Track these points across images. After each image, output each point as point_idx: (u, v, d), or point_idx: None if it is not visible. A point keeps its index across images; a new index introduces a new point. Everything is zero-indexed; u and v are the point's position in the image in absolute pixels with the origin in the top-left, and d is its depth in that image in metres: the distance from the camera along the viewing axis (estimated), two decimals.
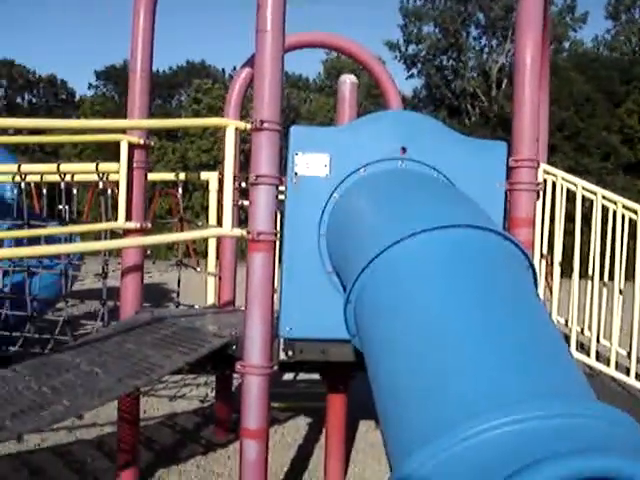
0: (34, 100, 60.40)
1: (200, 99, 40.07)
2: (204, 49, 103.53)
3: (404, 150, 3.66)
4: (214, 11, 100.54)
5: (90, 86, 60.86)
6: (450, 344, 2.28)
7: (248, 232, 3.44)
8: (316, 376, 7.31)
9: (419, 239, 2.77)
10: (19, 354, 5.49)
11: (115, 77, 58.13)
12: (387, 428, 2.45)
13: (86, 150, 39.38)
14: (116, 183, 4.72)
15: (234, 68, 51.27)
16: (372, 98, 30.87)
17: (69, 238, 5.79)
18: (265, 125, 3.40)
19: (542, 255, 4.95)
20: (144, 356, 3.69)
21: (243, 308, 4.12)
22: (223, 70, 54.58)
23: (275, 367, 3.53)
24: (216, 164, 33.13)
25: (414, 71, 47.91)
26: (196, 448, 5.52)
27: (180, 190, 5.40)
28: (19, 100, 59.95)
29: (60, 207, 6.13)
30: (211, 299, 5.66)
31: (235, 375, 6.27)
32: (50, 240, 5.87)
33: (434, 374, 2.26)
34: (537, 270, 3.05)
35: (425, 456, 2.02)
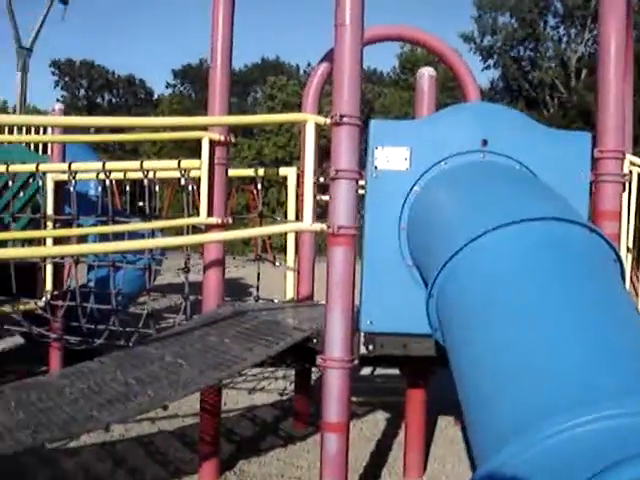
0: (113, 100, 61.96)
1: (275, 96, 40.39)
2: (279, 46, 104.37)
3: (485, 142, 3.62)
4: (289, 7, 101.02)
5: (168, 85, 62.09)
6: (538, 339, 2.24)
7: (328, 226, 3.46)
8: (394, 371, 7.32)
9: (503, 232, 2.73)
10: (104, 347, 5.65)
11: (192, 76, 59.13)
12: (473, 423, 2.43)
13: (164, 148, 40.19)
14: (196, 180, 4.82)
15: (308, 64, 51.51)
16: (447, 91, 30.51)
17: (151, 234, 5.93)
18: (345, 120, 3.41)
19: (628, 249, 4.81)
20: (226, 349, 3.75)
21: (322, 302, 4.14)
22: (297, 66, 54.89)
23: (356, 361, 3.54)
24: (292, 160, 33.37)
25: (490, 63, 47.15)
26: (275, 440, 5.57)
27: (259, 186, 5.46)
28: (99, 100, 61.58)
29: (140, 204, 6.29)
30: (290, 293, 5.71)
31: (314, 369, 6.33)
32: (133, 236, 6.04)
33: (522, 370, 2.23)
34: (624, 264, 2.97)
35: (512, 451, 2.00)
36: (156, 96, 60.94)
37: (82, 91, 61.02)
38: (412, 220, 3.52)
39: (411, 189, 3.56)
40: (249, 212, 17.43)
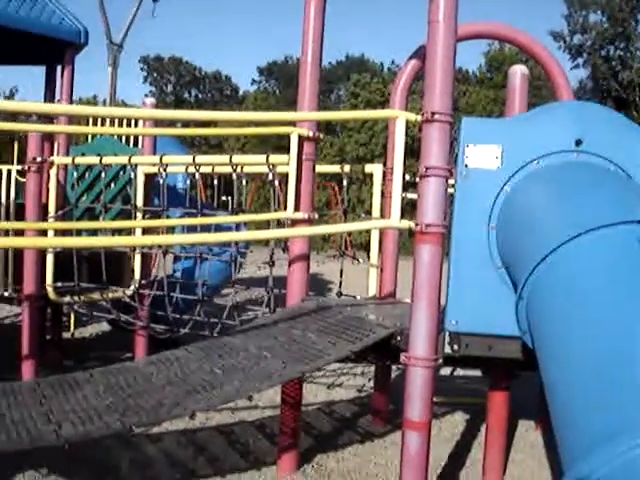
0: (200, 95, 63.09)
1: (358, 94, 40.37)
2: (364, 43, 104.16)
3: (579, 142, 3.54)
4: (376, 5, 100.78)
5: (253, 81, 62.86)
6: (634, 348, 2.18)
7: (416, 224, 3.44)
8: (473, 372, 7.24)
9: (598, 235, 2.68)
10: (188, 336, 5.78)
11: (276, 72, 59.70)
12: (561, 428, 2.39)
13: (248, 144, 40.71)
14: (282, 175, 4.87)
15: (392, 62, 51.33)
16: (534, 90, 29.93)
17: (236, 227, 6.03)
18: (436, 117, 3.39)
19: None
20: (310, 343, 3.78)
21: (405, 300, 4.13)
22: (382, 64, 54.72)
23: (440, 360, 3.52)
24: (373, 158, 33.32)
25: (579, 61, 45.93)
26: (354, 436, 5.58)
27: (345, 182, 5.48)
28: (186, 95, 62.80)
29: (224, 198, 6.40)
30: (372, 290, 5.71)
31: (394, 367, 6.31)
32: (218, 229, 6.15)
33: (614, 377, 2.18)
34: None
35: (599, 460, 1.96)
36: (241, 92, 61.78)
37: (170, 87, 62.38)
38: (502, 220, 3.47)
39: (502, 188, 3.51)
40: (329, 209, 17.53)
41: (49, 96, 8.17)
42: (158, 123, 6.86)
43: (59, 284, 6.28)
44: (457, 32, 3.56)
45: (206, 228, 5.52)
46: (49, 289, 6.16)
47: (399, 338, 3.70)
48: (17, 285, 6.09)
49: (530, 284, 2.81)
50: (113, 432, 3.38)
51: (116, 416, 3.32)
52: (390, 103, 5.73)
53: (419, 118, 3.53)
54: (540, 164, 3.52)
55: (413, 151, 6.36)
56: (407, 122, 3.94)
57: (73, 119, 7.12)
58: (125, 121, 7.08)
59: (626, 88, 43.91)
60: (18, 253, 5.93)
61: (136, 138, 7.41)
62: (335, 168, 5.88)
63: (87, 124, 7.05)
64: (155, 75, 62.05)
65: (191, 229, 5.73)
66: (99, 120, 7.06)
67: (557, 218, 3.03)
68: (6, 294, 6.22)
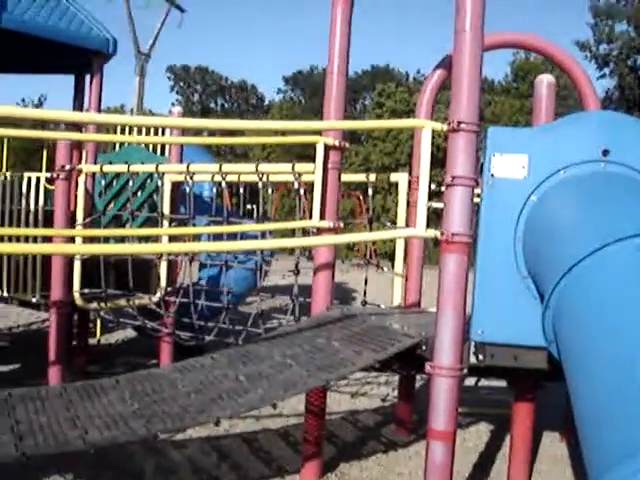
0: (226, 105, 63.48)
1: (383, 103, 40.38)
2: (389, 53, 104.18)
3: (606, 152, 3.52)
4: (401, 15, 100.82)
5: (279, 91, 63.13)
6: None
7: (442, 233, 3.44)
8: (497, 383, 7.19)
9: (625, 245, 2.66)
10: (213, 344, 5.80)
11: (302, 82, 59.91)
12: (586, 439, 2.37)
13: (273, 153, 40.87)
14: (307, 184, 4.89)
15: (418, 71, 51.31)
16: (560, 100, 29.77)
17: (261, 236, 6.05)
18: (462, 126, 3.39)
19: None
20: (335, 351, 3.78)
21: (430, 310, 4.12)
22: (407, 73, 54.73)
23: (465, 370, 3.50)
24: (397, 167, 33.28)
25: (606, 71, 45.59)
26: (377, 446, 5.57)
27: (370, 191, 5.48)
28: (212, 105, 63.22)
29: (249, 206, 6.43)
30: (397, 299, 5.70)
31: (418, 376, 6.29)
32: (244, 237, 6.18)
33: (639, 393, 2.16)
34: None
35: (627, 473, 1.94)
36: (267, 102, 62.09)
37: (196, 96, 62.83)
38: (528, 230, 3.46)
39: (528, 198, 3.50)
40: (354, 217, 17.55)
41: (78, 105, 8.26)
42: (185, 132, 6.92)
43: (86, 290, 6.35)
44: (484, 41, 3.56)
45: (232, 236, 5.55)
46: (76, 295, 6.22)
47: (424, 347, 3.69)
48: (45, 291, 6.16)
49: (557, 294, 2.79)
50: (139, 438, 3.40)
51: (142, 422, 3.34)
52: (416, 112, 5.73)
53: (445, 127, 3.53)
54: (567, 174, 3.50)
55: (438, 160, 6.35)
56: (432, 131, 3.94)
57: (101, 128, 7.20)
58: (152, 130, 7.15)
59: None
60: (46, 260, 6.00)
61: (163, 147, 7.48)
62: (360, 177, 5.89)
63: (115, 133, 7.12)
64: (182, 84, 62.57)
65: (217, 237, 5.77)
66: (127, 129, 7.13)
67: (584, 228, 3.01)
68: (34, 300, 6.29)
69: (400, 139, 37.04)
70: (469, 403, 6.46)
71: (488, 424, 6.25)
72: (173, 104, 54.36)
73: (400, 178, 5.67)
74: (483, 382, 7.50)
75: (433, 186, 5.79)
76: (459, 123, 3.38)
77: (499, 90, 46.15)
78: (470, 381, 7.28)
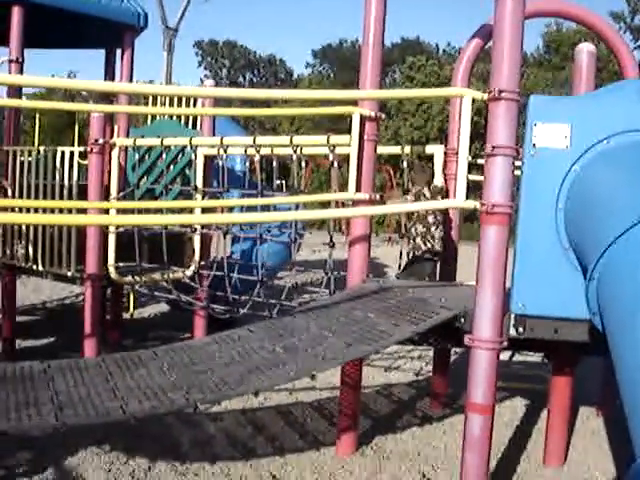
0: (254, 79, 63.21)
1: (413, 76, 39.95)
2: (419, 25, 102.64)
3: None
4: None
5: (307, 65, 62.71)
6: None
7: (482, 204, 3.38)
8: (532, 358, 7.15)
9: None
10: (247, 317, 5.81)
11: (331, 56, 59.44)
12: (633, 412, 2.32)
13: (302, 127, 40.69)
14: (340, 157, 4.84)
15: (448, 44, 50.64)
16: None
17: (295, 209, 6.02)
18: (503, 95, 3.32)
19: None
20: (372, 323, 3.76)
21: (468, 283, 4.07)
22: (437, 46, 54.04)
23: (505, 343, 3.46)
24: (427, 141, 32.98)
25: None
26: (412, 419, 5.56)
27: (405, 164, 5.43)
28: (240, 79, 63.00)
29: (278, 182, 6.39)
30: None
31: (452, 350, 6.27)
32: (277, 210, 6.15)
33: None
34: None
35: None
36: (295, 76, 61.72)
37: (224, 71, 62.61)
38: (571, 200, 3.39)
39: (571, 168, 3.43)
40: (384, 192, 17.45)
41: (108, 80, 8.26)
42: (216, 105, 6.88)
43: (121, 264, 6.38)
44: (525, 8, 3.48)
45: (265, 209, 5.52)
46: (111, 269, 6.25)
47: (463, 320, 3.66)
48: (80, 265, 6.19)
49: (602, 265, 2.73)
50: (178, 408, 3.42)
51: (181, 393, 3.35)
52: (452, 82, 5.64)
53: (485, 96, 3.46)
54: (610, 143, 3.42)
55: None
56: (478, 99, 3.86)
57: (132, 101, 7.18)
58: (184, 103, 7.13)
59: None
60: (81, 234, 6.03)
61: (194, 120, 7.45)
62: (396, 149, 5.83)
63: (147, 105, 7.11)
64: (209, 59, 62.38)
65: (250, 210, 5.74)
66: (158, 102, 7.12)
67: (629, 199, 2.94)
68: (69, 274, 6.34)
69: (430, 113, 36.67)
70: (504, 378, 6.42)
71: (523, 399, 6.22)
72: (201, 80, 54.35)
73: (436, 150, 5.61)
74: (517, 357, 7.45)
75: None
76: (500, 92, 3.31)
77: (531, 62, 45.46)
78: (504, 356, 7.24)
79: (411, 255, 6.01)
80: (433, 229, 5.78)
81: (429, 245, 5.83)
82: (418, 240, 5.87)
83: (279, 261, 7.80)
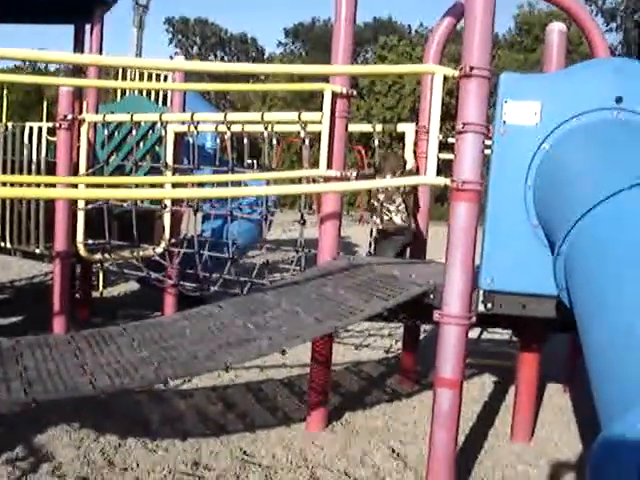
0: (225, 58, 62.66)
1: (385, 56, 39.91)
2: (392, 5, 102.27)
3: (620, 100, 3.46)
4: None
5: (279, 44, 62.33)
6: None
7: (452, 181, 3.40)
8: (500, 336, 7.23)
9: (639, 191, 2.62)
10: (218, 295, 5.80)
11: (303, 35, 59.14)
12: (598, 385, 2.36)
13: (273, 107, 40.51)
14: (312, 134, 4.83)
15: (421, 24, 50.60)
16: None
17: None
18: (475, 72, 3.32)
19: None
20: (343, 299, 3.78)
21: (437, 260, 4.10)
22: (409, 26, 53.98)
23: (473, 318, 3.49)
24: (399, 121, 32.98)
25: (612, 26, 45.00)
26: (382, 396, 5.60)
27: (376, 142, 5.44)
28: (211, 57, 62.42)
29: (249, 161, 6.37)
30: None
31: (422, 328, 6.31)
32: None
33: None
34: None
35: (638, 416, 1.93)
36: (267, 55, 61.35)
37: (195, 49, 62.02)
38: (540, 178, 3.42)
39: (540, 145, 3.45)
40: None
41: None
42: (187, 82, 6.82)
43: (90, 242, 6.34)
44: None
45: (236, 185, 5.50)
46: (80, 246, 6.21)
47: (432, 296, 3.68)
48: (48, 242, 6.14)
49: (569, 240, 2.76)
50: (148, 384, 3.41)
51: (151, 368, 3.35)
52: (424, 61, 5.65)
53: (457, 73, 3.47)
54: (580, 121, 3.45)
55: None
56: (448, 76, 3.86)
57: (102, 75, 7.09)
58: (154, 80, 7.07)
59: None
60: (50, 211, 5.97)
61: (165, 98, 7.39)
62: (367, 127, 5.84)
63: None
64: (180, 37, 61.75)
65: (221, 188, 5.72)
66: (128, 78, 7.04)
67: (598, 175, 2.98)
68: (37, 251, 6.28)
69: (402, 93, 36.71)
70: (472, 355, 6.49)
71: (491, 376, 6.29)
72: (171, 58, 53.77)
73: (407, 128, 5.62)
74: (486, 335, 7.54)
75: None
76: (471, 68, 3.32)
77: (502, 44, 45.60)
78: (473, 334, 7.31)
79: (380, 234, 6.02)
80: (402, 207, 5.79)
81: (398, 223, 5.84)
82: (386, 219, 5.86)
83: (250, 239, 7.80)
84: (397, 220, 5.79)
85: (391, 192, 5.74)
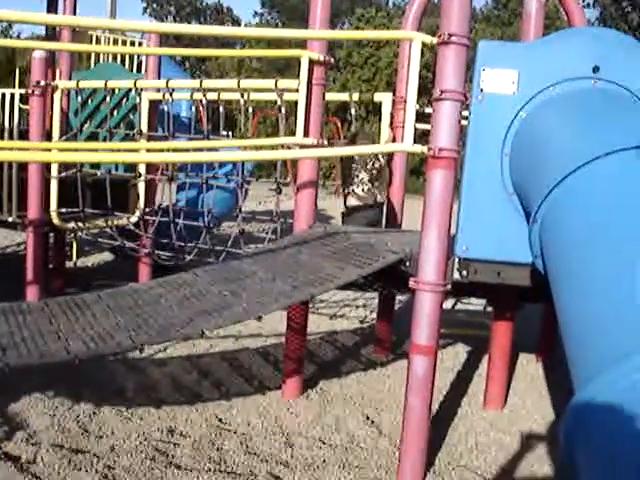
0: None
1: (362, 28, 39.67)
2: None
3: (596, 69, 3.47)
4: None
5: (255, 14, 61.74)
6: None
7: (429, 148, 3.39)
8: (474, 306, 7.30)
9: (613, 159, 2.65)
10: (193, 264, 5.78)
11: (279, 5, 58.58)
12: (572, 350, 2.39)
13: (249, 77, 40.20)
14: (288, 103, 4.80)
15: None
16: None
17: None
18: (453, 39, 3.30)
19: None
20: (319, 267, 3.78)
21: (413, 229, 4.10)
22: None
23: (448, 286, 3.51)
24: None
25: (589, 1, 45.03)
26: (356, 365, 5.64)
27: (353, 111, 5.41)
28: None
29: (224, 133, 6.32)
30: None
31: (397, 299, 6.35)
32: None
33: (626, 300, 2.17)
34: None
35: (610, 379, 1.96)
36: (243, 25, 60.69)
37: (170, 18, 61.25)
38: (516, 146, 3.43)
39: (517, 114, 3.46)
40: (332, 144, 17.40)
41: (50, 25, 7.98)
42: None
43: (63, 210, 6.27)
44: None
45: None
46: (53, 215, 6.14)
47: (408, 264, 3.70)
48: (21, 211, 6.07)
49: (545, 207, 2.78)
50: (123, 350, 3.41)
51: (126, 334, 3.34)
52: (402, 26, 5.61)
53: (435, 40, 3.45)
54: (556, 90, 3.45)
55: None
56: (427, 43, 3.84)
57: (75, 41, 6.97)
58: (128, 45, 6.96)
59: (635, 30, 43.12)
60: (22, 180, 5.89)
61: (139, 66, 7.29)
62: (344, 96, 5.81)
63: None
64: (155, 6, 60.91)
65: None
66: (102, 44, 6.93)
67: (574, 142, 2.99)
68: (10, 219, 6.21)
69: (379, 66, 36.60)
70: (447, 324, 6.54)
71: (465, 345, 6.35)
72: None
73: (384, 98, 5.60)
74: (460, 306, 7.60)
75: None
76: (450, 35, 3.29)
77: (480, 18, 45.55)
78: (447, 304, 7.37)
79: (346, 211, 5.89)
80: (365, 180, 5.68)
81: (372, 193, 5.76)
82: (358, 190, 5.75)
83: (225, 209, 7.77)
84: (359, 192, 5.66)
85: (356, 167, 5.62)
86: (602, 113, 3.17)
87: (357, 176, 5.58)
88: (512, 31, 35.85)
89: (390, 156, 5.66)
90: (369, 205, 5.68)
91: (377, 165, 5.56)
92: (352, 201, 5.70)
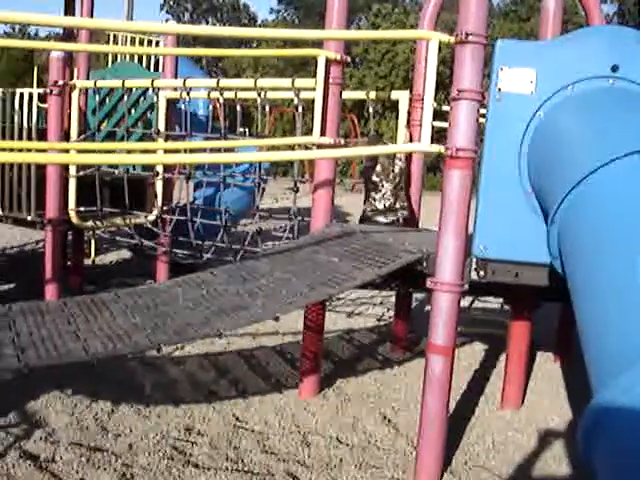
0: (217, 24, 61.92)
1: (379, 24, 39.59)
2: None
3: (615, 68, 3.45)
4: None
5: (272, 10, 61.73)
6: None
7: (447, 148, 3.38)
8: (491, 305, 7.27)
9: (635, 159, 2.63)
10: (210, 263, 5.80)
11: (296, 1, 58.50)
12: (590, 351, 2.38)
13: (265, 75, 40.24)
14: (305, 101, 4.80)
15: None
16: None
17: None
18: (470, 38, 3.29)
19: None
20: (336, 267, 3.78)
21: (430, 228, 4.09)
22: None
23: (466, 286, 3.50)
24: (393, 90, 32.87)
25: None
26: (373, 363, 5.63)
27: (371, 109, 5.40)
28: (203, 24, 61.69)
29: (241, 130, 6.33)
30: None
31: (414, 297, 6.33)
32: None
33: None
34: None
35: (630, 382, 1.95)
36: (259, 22, 60.72)
37: (187, 15, 61.34)
38: (534, 146, 3.41)
39: (535, 113, 3.44)
40: (349, 140, 17.40)
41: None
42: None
43: (82, 209, 6.31)
44: None
45: (229, 152, 5.47)
46: (72, 213, 6.19)
47: (425, 264, 3.69)
48: (40, 210, 6.11)
49: (564, 208, 2.77)
50: (141, 350, 3.42)
51: (144, 334, 3.35)
52: (419, 27, 5.60)
53: (452, 39, 3.44)
54: (575, 89, 3.43)
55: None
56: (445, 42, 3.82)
57: (93, 41, 7.01)
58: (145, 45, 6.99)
59: None
60: (41, 178, 5.94)
61: (156, 64, 7.31)
62: (360, 94, 5.79)
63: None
64: (172, 3, 61.02)
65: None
66: (120, 43, 6.96)
67: (593, 143, 2.97)
68: (29, 218, 6.25)
69: (395, 62, 36.50)
70: (463, 323, 6.52)
71: (482, 344, 6.33)
72: (167, 20, 53.04)
73: (401, 96, 5.58)
74: (477, 304, 7.57)
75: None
76: (467, 34, 3.28)
77: (497, 13, 45.29)
78: (464, 302, 7.35)
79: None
80: (388, 195, 5.54)
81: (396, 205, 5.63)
82: (380, 204, 5.59)
83: (242, 207, 7.78)
84: (379, 206, 5.56)
85: (381, 178, 5.49)
86: (621, 113, 3.15)
87: (380, 190, 5.49)
88: (529, 26, 35.65)
89: (409, 156, 5.63)
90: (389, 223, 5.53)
91: (397, 170, 5.48)
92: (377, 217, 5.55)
